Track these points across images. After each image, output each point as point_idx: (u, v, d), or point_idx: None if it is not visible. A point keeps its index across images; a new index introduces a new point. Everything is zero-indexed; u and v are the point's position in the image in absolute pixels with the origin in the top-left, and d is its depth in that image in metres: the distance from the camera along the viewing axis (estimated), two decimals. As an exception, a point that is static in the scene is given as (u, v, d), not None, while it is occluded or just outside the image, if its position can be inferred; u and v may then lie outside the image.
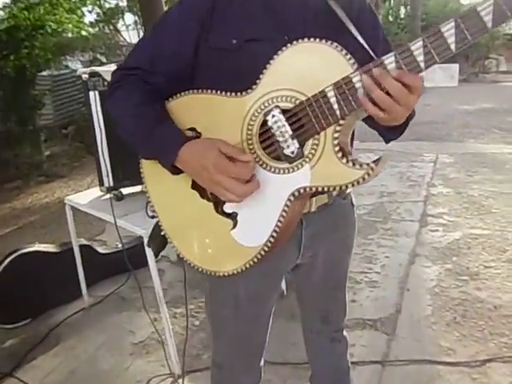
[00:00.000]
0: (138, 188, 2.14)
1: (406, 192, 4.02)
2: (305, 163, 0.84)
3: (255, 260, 0.89)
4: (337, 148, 0.81)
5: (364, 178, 0.80)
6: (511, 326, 2.15)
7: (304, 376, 1.59)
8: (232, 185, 0.83)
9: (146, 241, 1.66)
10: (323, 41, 0.80)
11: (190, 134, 0.92)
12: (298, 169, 0.84)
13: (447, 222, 3.34)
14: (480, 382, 1.83)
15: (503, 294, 2.42)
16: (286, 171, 0.86)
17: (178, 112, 0.95)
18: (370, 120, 0.86)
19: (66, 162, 5.95)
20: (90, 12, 9.23)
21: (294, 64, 0.84)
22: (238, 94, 0.89)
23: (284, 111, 0.85)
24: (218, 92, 0.91)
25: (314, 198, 0.99)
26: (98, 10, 9.39)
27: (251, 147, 0.88)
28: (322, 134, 0.83)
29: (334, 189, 0.83)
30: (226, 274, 0.93)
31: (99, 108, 2.00)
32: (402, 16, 15.98)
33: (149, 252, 1.80)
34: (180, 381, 1.93)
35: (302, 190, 0.85)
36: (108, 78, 1.93)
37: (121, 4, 9.65)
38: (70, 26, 6.55)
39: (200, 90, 0.93)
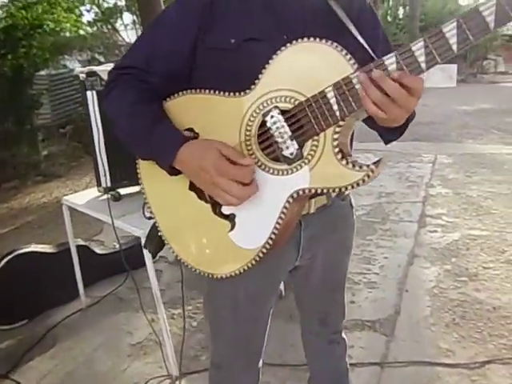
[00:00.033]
0: (135, 188, 2.13)
1: (405, 193, 4.01)
2: (304, 165, 0.83)
3: (253, 262, 0.88)
4: (336, 149, 0.80)
5: (364, 180, 0.79)
6: (510, 328, 2.14)
7: (303, 378, 1.58)
8: (231, 187, 0.82)
9: (143, 242, 1.65)
10: (323, 41, 0.79)
11: (187, 134, 0.91)
12: (297, 170, 0.83)
13: (446, 223, 3.34)
14: (479, 383, 1.83)
15: (502, 295, 2.41)
16: (285, 172, 0.85)
17: (176, 112, 0.94)
18: (369, 121, 0.85)
19: (63, 161, 5.93)
20: (88, 11, 9.20)
21: (293, 64, 0.82)
22: (237, 94, 0.88)
23: (283, 112, 0.84)
24: (216, 92, 0.90)
25: (312, 200, 0.98)
26: (97, 10, 9.36)
27: (249, 148, 0.87)
28: (322, 135, 0.82)
29: (334, 191, 0.82)
30: (223, 276, 0.92)
31: (97, 108, 1.99)
32: (401, 16, 15.97)
33: (146, 253, 1.78)
34: (177, 383, 1.92)
35: (300, 192, 0.84)
36: (105, 77, 1.92)
37: (119, 3, 9.63)
38: (68, 25, 6.52)
39: (198, 90, 0.92)
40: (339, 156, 0.80)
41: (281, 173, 0.85)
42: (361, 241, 3.05)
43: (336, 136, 0.80)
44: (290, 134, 0.83)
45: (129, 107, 0.95)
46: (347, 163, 0.80)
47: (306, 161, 0.83)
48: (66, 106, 6.76)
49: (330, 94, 0.79)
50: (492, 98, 8.93)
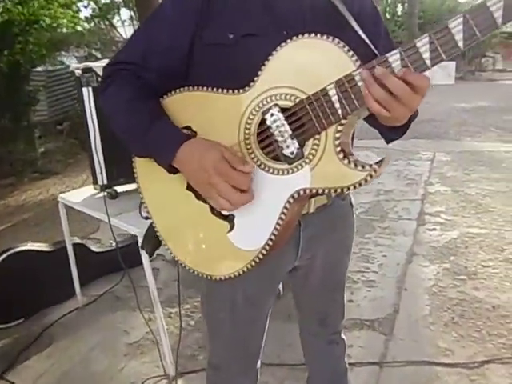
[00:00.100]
0: (132, 186, 2.10)
1: (404, 190, 4.00)
2: (305, 164, 0.81)
3: (253, 264, 0.86)
4: (338, 148, 0.78)
5: (366, 180, 0.76)
6: (509, 327, 2.13)
7: (301, 377, 1.56)
8: (227, 191, 0.80)
9: (140, 240, 1.63)
10: (324, 36, 0.77)
11: (185, 132, 0.89)
12: (298, 170, 0.81)
13: (445, 221, 3.33)
14: (478, 383, 1.81)
15: (501, 293, 2.40)
16: (285, 172, 0.82)
17: (173, 110, 0.91)
18: (371, 119, 0.83)
19: (60, 158, 5.90)
20: (85, 7, 9.15)
21: (293, 61, 0.80)
22: (235, 91, 0.85)
23: (283, 110, 0.81)
24: (215, 89, 0.87)
25: (312, 199, 0.96)
26: (94, 5, 9.30)
27: (249, 147, 0.85)
28: (323, 133, 0.79)
29: (335, 191, 0.80)
30: (222, 277, 0.90)
31: (92, 104, 1.96)
32: (399, 13, 15.95)
33: (143, 251, 1.76)
34: (174, 382, 1.90)
35: (301, 192, 0.82)
36: (101, 73, 1.89)
37: (116, -1, 9.57)
38: (65, 21, 6.48)
39: (195, 87, 0.89)
40: (341, 155, 0.78)
41: (281, 172, 0.83)
42: (359, 239, 3.04)
43: (338, 135, 0.78)
44: (290, 132, 0.81)
45: (126, 104, 0.92)
46: (349, 163, 0.77)
47: (307, 160, 0.80)
48: (63, 102, 6.73)
49: (332, 92, 0.77)
50: (490, 96, 8.93)
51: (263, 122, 0.83)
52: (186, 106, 0.91)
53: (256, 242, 0.85)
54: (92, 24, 9.14)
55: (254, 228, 0.85)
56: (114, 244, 2.60)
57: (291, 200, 0.82)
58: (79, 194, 2.29)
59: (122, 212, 1.98)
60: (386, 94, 0.73)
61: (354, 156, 0.80)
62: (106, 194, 2.05)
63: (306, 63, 0.79)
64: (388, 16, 15.10)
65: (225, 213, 0.87)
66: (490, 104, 8.13)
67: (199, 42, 0.91)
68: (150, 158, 0.91)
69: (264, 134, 0.84)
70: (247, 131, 0.84)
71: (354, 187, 0.78)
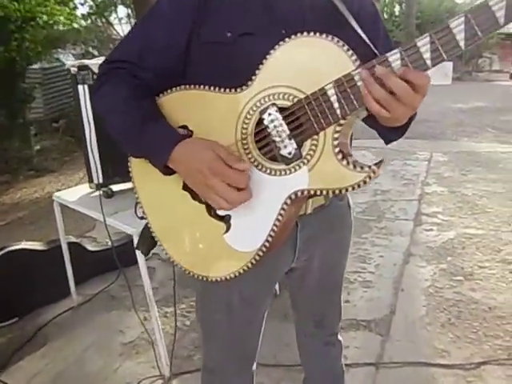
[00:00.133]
0: (128, 185, 2.08)
1: (401, 190, 4.00)
2: (302, 165, 0.79)
3: (249, 265, 0.85)
4: (337, 149, 0.77)
5: (365, 181, 0.75)
6: (506, 328, 2.13)
7: (297, 378, 1.55)
8: (225, 190, 0.79)
9: (135, 240, 1.62)
10: (323, 35, 0.76)
11: (181, 132, 0.87)
12: (296, 170, 0.80)
13: (441, 222, 3.33)
14: (475, 385, 1.81)
15: (497, 294, 2.40)
16: (283, 173, 0.81)
17: (169, 109, 0.90)
18: (370, 120, 0.82)
19: (56, 156, 5.87)
20: (82, 4, 9.08)
21: (291, 60, 0.79)
22: (233, 90, 0.84)
23: (281, 109, 0.80)
24: (212, 88, 0.86)
25: (310, 200, 0.95)
26: (91, 3, 9.24)
27: (246, 147, 0.83)
28: (322, 134, 0.78)
29: (334, 192, 0.78)
30: (218, 279, 0.89)
31: (88, 102, 1.94)
32: (397, 13, 15.95)
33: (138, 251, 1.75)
34: (169, 383, 1.89)
35: (299, 193, 0.80)
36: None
37: (113, -4, 9.51)
38: (62, 18, 6.43)
39: (192, 86, 0.88)
40: (339, 156, 0.77)
41: (278, 173, 0.81)
42: (356, 239, 3.03)
43: (336, 135, 0.77)
44: (288, 132, 0.80)
45: (120, 103, 0.91)
46: (348, 164, 0.76)
47: (305, 161, 0.79)
48: (59, 100, 6.69)
49: (331, 92, 0.75)
50: (487, 96, 8.96)
51: (261, 121, 0.82)
52: (183, 104, 0.89)
53: (253, 244, 0.84)
54: (89, 21, 9.07)
55: (251, 229, 0.84)
56: (109, 243, 2.58)
57: (288, 201, 0.81)
58: (74, 193, 2.27)
59: (117, 211, 1.96)
60: (387, 94, 0.71)
61: (352, 157, 0.78)
62: (101, 192, 2.03)
63: (305, 62, 0.78)
64: (386, 16, 15.10)
65: (221, 213, 0.86)
66: (487, 104, 8.15)
67: (196, 40, 0.90)
68: (145, 159, 0.89)
69: (261, 133, 0.82)
70: (244, 131, 0.83)
71: (353, 188, 0.77)
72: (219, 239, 0.86)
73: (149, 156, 0.89)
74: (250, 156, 0.83)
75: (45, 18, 5.91)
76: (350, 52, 0.75)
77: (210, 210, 0.87)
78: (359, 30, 0.88)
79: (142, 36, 0.94)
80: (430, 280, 2.56)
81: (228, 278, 0.87)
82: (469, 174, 4.38)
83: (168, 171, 0.87)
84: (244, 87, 0.83)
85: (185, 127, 0.88)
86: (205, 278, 0.90)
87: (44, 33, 5.91)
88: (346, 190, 0.77)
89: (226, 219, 0.86)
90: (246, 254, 0.85)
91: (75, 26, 7.10)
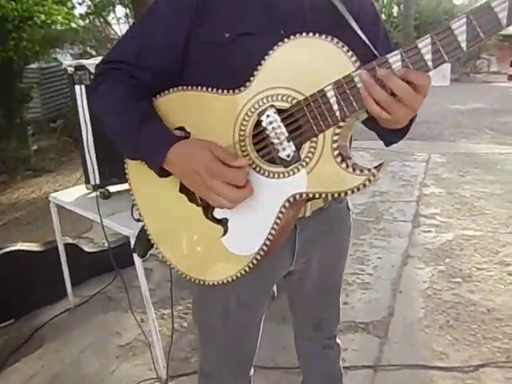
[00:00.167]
0: (125, 186, 2.04)
1: (399, 192, 3.99)
2: (301, 167, 0.78)
3: (247, 269, 0.84)
4: (336, 152, 0.76)
5: (365, 185, 0.74)
6: (504, 330, 2.12)
7: (295, 381, 1.54)
8: (224, 189, 0.77)
9: (132, 241, 1.60)
10: (323, 36, 0.74)
11: (178, 133, 0.86)
12: (294, 173, 0.79)
13: (440, 223, 3.32)
14: (473, 387, 1.81)
15: (496, 296, 2.39)
16: (281, 175, 0.80)
17: (166, 110, 0.89)
18: (370, 122, 0.81)
19: (53, 156, 5.84)
20: (80, 4, 9.06)
21: (290, 60, 0.78)
22: (231, 91, 0.83)
23: (280, 111, 0.79)
24: (209, 89, 0.85)
25: (309, 203, 0.93)
26: (89, 2, 9.22)
27: (244, 149, 0.82)
28: (321, 136, 0.77)
29: (333, 195, 0.77)
30: (215, 283, 0.87)
31: (85, 102, 1.93)
32: (395, 15, 15.96)
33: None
34: (167, 386, 1.88)
35: (297, 196, 0.79)
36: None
37: (112, -4, 9.49)
38: (60, 17, 6.41)
39: (190, 87, 0.87)
40: (339, 159, 0.75)
41: (276, 176, 0.80)
42: (354, 240, 3.02)
43: (336, 138, 0.76)
44: (286, 134, 0.78)
45: (118, 104, 0.89)
46: (347, 167, 0.75)
47: (304, 163, 0.78)
48: (57, 99, 6.67)
49: (330, 93, 0.74)
50: (484, 98, 8.96)
51: (259, 123, 0.81)
52: (180, 106, 0.88)
53: (250, 247, 0.83)
54: (87, 21, 9.05)
55: (249, 232, 0.83)
56: (106, 244, 2.56)
57: (287, 204, 0.80)
58: (71, 194, 2.25)
59: (114, 212, 1.95)
60: (388, 96, 0.70)
61: (352, 160, 0.77)
62: (98, 193, 2.02)
63: (304, 63, 0.77)
64: (384, 17, 15.09)
65: (218, 216, 0.85)
66: (485, 106, 8.16)
67: (195, 40, 0.89)
68: (141, 161, 0.88)
69: (259, 135, 0.81)
70: (242, 133, 0.82)
71: (352, 192, 0.75)
72: (216, 242, 0.85)
73: (144, 157, 0.88)
74: (247, 158, 0.82)
75: (42, 17, 5.89)
76: (350, 53, 0.73)
77: (207, 213, 0.85)
78: (359, 31, 0.87)
79: (140, 36, 0.93)
80: (428, 282, 2.56)
81: (225, 281, 0.86)
82: (467, 175, 4.38)
83: (163, 173, 0.86)
84: (242, 88, 0.82)
85: (182, 128, 0.87)
86: (202, 282, 0.89)
87: (42, 32, 5.89)
88: (346, 194, 0.76)
89: (223, 222, 0.84)
90: (244, 258, 0.83)
91: (73, 25, 7.08)
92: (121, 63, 0.92)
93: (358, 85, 0.72)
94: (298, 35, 0.76)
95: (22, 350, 2.18)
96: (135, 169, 0.94)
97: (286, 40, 0.78)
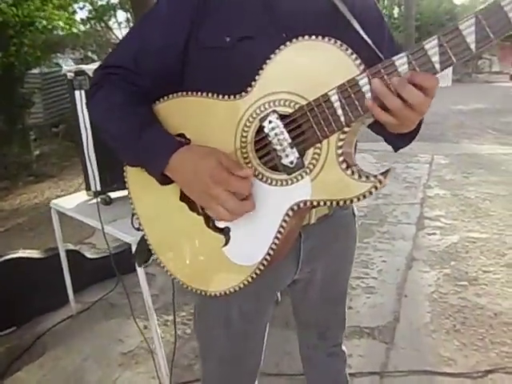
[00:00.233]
0: (126, 192, 2.05)
1: (402, 194, 3.96)
2: (305, 175, 0.76)
3: (249, 280, 0.81)
4: (341, 158, 0.73)
5: (371, 192, 0.71)
6: (512, 335, 2.09)
7: (300, 388, 1.52)
8: (227, 198, 0.75)
9: (134, 248, 1.58)
10: (326, 38, 0.72)
11: (178, 140, 0.84)
12: (298, 181, 0.76)
13: (444, 225, 3.29)
14: (482, 394, 1.77)
15: (503, 300, 2.36)
16: (284, 183, 0.77)
17: (166, 116, 0.86)
18: (376, 126, 0.78)
19: (55, 161, 5.85)
20: (81, 9, 9.08)
21: (293, 64, 0.75)
22: (232, 96, 0.80)
23: (282, 117, 0.76)
24: (210, 95, 0.82)
25: (313, 210, 0.91)
26: (90, 7, 9.24)
27: (246, 156, 0.80)
28: (325, 142, 0.74)
29: (338, 203, 0.74)
30: (217, 293, 0.85)
31: (85, 108, 1.91)
32: (396, 16, 15.95)
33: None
34: (170, 394, 1.85)
35: (301, 204, 0.76)
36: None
37: (113, 1, 9.51)
38: (61, 23, 6.42)
39: (190, 93, 0.84)
40: (344, 165, 0.73)
41: (279, 183, 0.78)
42: (358, 244, 2.93)
43: (340, 143, 0.73)
44: (289, 141, 0.76)
45: (115, 110, 0.87)
46: (353, 173, 0.72)
47: (308, 170, 0.75)
48: (59, 104, 6.68)
49: (334, 98, 0.72)
50: (487, 98, 8.93)
51: (261, 129, 0.78)
52: (180, 112, 0.86)
53: (253, 257, 0.80)
54: (88, 26, 9.07)
55: (251, 242, 0.80)
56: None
57: (290, 213, 0.77)
58: (72, 200, 2.23)
59: (116, 219, 1.93)
60: (402, 104, 0.68)
61: (357, 166, 0.75)
62: (99, 200, 2.00)
63: (307, 67, 0.74)
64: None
65: (220, 225, 0.82)
66: (487, 106, 8.13)
67: (195, 44, 0.87)
68: (142, 168, 0.86)
69: (262, 142, 0.78)
70: (244, 139, 0.79)
71: (358, 199, 0.73)
72: (218, 252, 0.82)
73: (145, 164, 0.86)
74: (249, 165, 0.79)
75: (44, 22, 5.90)
76: (354, 56, 0.71)
77: (209, 222, 0.83)
78: (362, 33, 0.84)
79: (138, 38, 0.91)
80: (433, 285, 2.52)
81: (227, 292, 0.83)
82: (471, 176, 4.34)
83: (165, 180, 0.83)
84: (243, 93, 0.80)
85: (181, 135, 0.85)
86: (203, 293, 0.86)
87: (43, 37, 5.90)
88: (351, 201, 0.73)
89: (225, 231, 0.82)
90: (247, 268, 0.81)
91: (74, 30, 7.09)
92: (118, 68, 0.90)
93: (363, 89, 0.70)
94: (300, 38, 0.74)
95: (23, 358, 2.16)
96: (135, 176, 0.92)
97: (287, 43, 0.75)
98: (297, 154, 0.76)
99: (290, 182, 0.77)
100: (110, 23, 9.73)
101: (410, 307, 2.34)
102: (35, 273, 2.39)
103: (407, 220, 3.42)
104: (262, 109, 0.78)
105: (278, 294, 2.32)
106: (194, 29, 0.86)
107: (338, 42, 0.72)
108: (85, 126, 1.95)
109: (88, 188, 2.08)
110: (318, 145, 0.75)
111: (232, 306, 0.97)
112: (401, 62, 0.68)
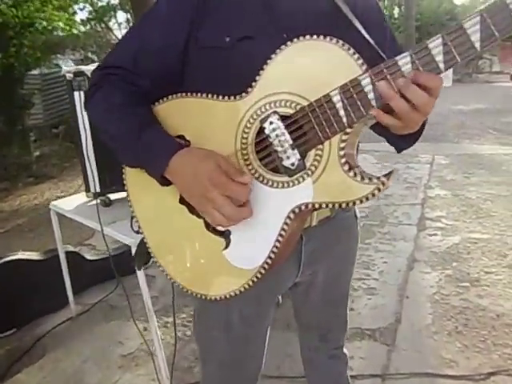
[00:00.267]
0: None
1: (403, 194, 3.94)
2: (306, 176, 0.74)
3: (250, 283, 0.80)
4: (343, 160, 0.72)
5: (374, 194, 0.70)
6: (514, 336, 2.08)
7: (301, 391, 1.50)
8: (224, 203, 0.73)
9: (133, 250, 1.57)
10: (327, 38, 0.71)
11: (178, 141, 0.83)
12: (299, 183, 0.75)
13: (445, 226, 3.27)
14: (484, 396, 1.76)
15: (505, 301, 2.34)
16: (286, 185, 0.76)
17: (165, 117, 0.85)
18: (379, 127, 0.76)
19: (56, 162, 5.84)
20: (81, 10, 9.08)
21: (294, 65, 0.74)
22: (232, 97, 0.79)
23: (283, 118, 0.75)
24: (210, 95, 0.81)
25: (315, 212, 0.89)
26: (90, 8, 9.24)
27: (246, 157, 0.78)
28: (327, 143, 0.73)
29: (340, 205, 0.73)
30: (217, 297, 0.83)
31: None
32: (396, 16, 15.94)
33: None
34: (170, 397, 1.84)
35: (303, 207, 0.75)
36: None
37: (113, 2, 9.51)
38: (61, 23, 6.41)
39: (189, 94, 0.83)
40: (346, 167, 0.71)
41: (281, 185, 0.76)
42: (359, 245, 2.96)
43: (342, 145, 0.72)
44: (290, 142, 0.75)
45: (114, 110, 0.86)
46: (355, 175, 0.71)
47: (309, 172, 0.74)
48: (59, 105, 6.67)
49: (336, 98, 0.71)
50: (487, 98, 8.92)
51: (262, 130, 0.77)
52: (179, 113, 0.85)
53: (254, 260, 0.79)
54: (88, 27, 9.07)
55: (252, 245, 0.79)
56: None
57: (292, 215, 0.76)
58: (72, 202, 2.22)
59: (115, 220, 1.92)
60: (408, 106, 0.67)
61: (359, 168, 0.73)
62: (98, 201, 1.99)
63: (308, 67, 0.73)
64: (385, 18, 15.07)
65: (220, 228, 0.81)
66: (488, 106, 8.11)
67: (195, 44, 0.85)
68: (141, 169, 0.85)
69: (262, 143, 0.77)
70: (244, 140, 0.78)
71: (361, 202, 0.71)
72: (218, 256, 0.81)
73: (145, 165, 0.85)
74: (250, 167, 0.78)
75: (43, 23, 5.90)
76: (357, 55, 0.70)
77: (209, 225, 0.81)
78: (364, 33, 0.83)
79: (138, 38, 0.90)
80: (435, 286, 2.51)
81: (228, 296, 0.82)
82: (472, 176, 4.33)
83: (165, 182, 0.82)
84: (244, 94, 0.78)
85: (181, 137, 0.83)
86: (203, 297, 0.85)
87: (43, 38, 5.90)
88: (354, 204, 0.72)
89: (225, 234, 0.80)
90: (247, 272, 0.79)
91: (74, 31, 7.08)
92: (117, 68, 0.89)
93: (366, 89, 0.69)
94: (301, 38, 0.73)
95: (23, 360, 2.15)
96: (134, 179, 0.91)
97: (288, 43, 0.74)
98: (298, 156, 0.74)
99: (291, 184, 0.76)
100: (111, 24, 9.73)
101: (412, 309, 2.33)
102: (35, 275, 2.38)
103: (408, 221, 3.40)
104: (263, 110, 0.76)
105: (279, 296, 2.31)
106: (194, 29, 0.85)
107: (340, 42, 0.70)
108: (84, 127, 1.94)
109: (87, 189, 2.07)
110: (320, 146, 0.74)
111: (232, 309, 0.95)
112: (404, 61, 0.66)
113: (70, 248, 2.57)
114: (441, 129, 6.43)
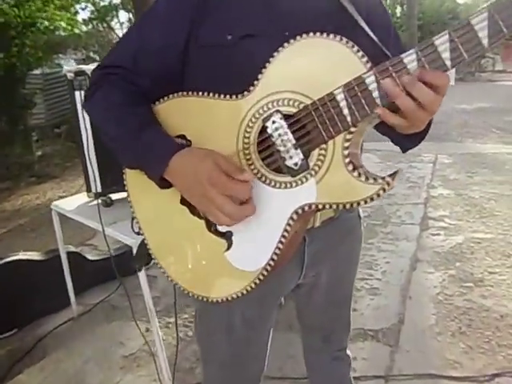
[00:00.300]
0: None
1: (406, 194, 3.92)
2: (310, 177, 0.73)
3: (253, 285, 0.78)
4: (347, 159, 0.70)
5: (379, 194, 0.68)
6: (519, 337, 2.06)
7: (304, 392, 1.49)
8: (224, 202, 0.72)
9: (135, 250, 1.56)
10: (331, 36, 0.69)
11: (179, 142, 0.81)
12: (302, 183, 0.73)
13: (449, 226, 3.25)
14: (489, 398, 1.74)
15: (509, 301, 2.32)
16: (289, 185, 0.74)
17: (166, 117, 0.84)
18: (383, 126, 0.75)
19: (58, 162, 5.84)
20: (83, 9, 9.09)
21: (297, 63, 0.73)
22: (234, 96, 0.78)
23: (286, 117, 0.73)
24: (211, 94, 0.80)
25: (318, 213, 0.88)
26: (92, 8, 9.25)
27: (248, 157, 0.77)
28: (330, 143, 0.71)
29: (344, 206, 0.72)
30: (219, 300, 0.82)
31: (85, 109, 1.89)
32: (398, 15, 15.91)
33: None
34: (172, 398, 1.83)
35: (306, 208, 0.74)
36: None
37: (115, 1, 9.51)
38: (62, 23, 6.42)
39: (190, 93, 0.82)
40: (350, 167, 0.70)
41: (284, 186, 0.75)
42: (362, 244, 2.95)
43: (347, 144, 0.70)
44: (293, 141, 0.73)
45: (114, 110, 0.85)
46: (359, 175, 0.70)
47: (313, 172, 0.73)
48: (61, 105, 6.69)
49: (340, 97, 0.69)
50: (490, 97, 8.89)
51: (264, 130, 0.75)
52: (180, 112, 0.83)
53: (256, 262, 0.77)
54: (90, 26, 9.08)
55: (254, 247, 0.77)
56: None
57: (295, 216, 0.74)
58: (73, 202, 2.22)
59: (116, 221, 1.91)
60: (414, 105, 0.65)
61: (364, 168, 0.72)
62: (100, 202, 1.98)
63: (311, 65, 0.72)
64: (387, 17, 15.04)
65: (222, 230, 0.79)
66: (491, 105, 8.08)
67: (195, 43, 0.84)
68: (141, 171, 0.83)
69: (265, 143, 0.76)
70: (246, 140, 0.77)
71: (365, 202, 0.70)
72: (220, 257, 0.80)
73: (144, 166, 0.83)
74: (252, 167, 0.77)
75: (45, 23, 5.91)
76: (361, 53, 0.68)
77: (210, 226, 0.80)
78: (368, 30, 0.82)
79: (138, 38, 0.89)
80: (438, 287, 2.49)
81: (229, 298, 0.80)
82: (475, 176, 4.31)
83: (164, 184, 0.81)
84: (246, 93, 0.77)
85: (182, 136, 0.82)
86: (205, 299, 0.83)
87: (44, 38, 5.91)
88: (358, 204, 0.71)
89: (227, 236, 0.79)
90: (250, 274, 0.78)
91: (76, 31, 7.09)
92: (117, 68, 0.87)
93: (370, 87, 0.67)
94: (304, 35, 0.71)
95: (25, 361, 2.14)
96: (134, 179, 0.89)
97: (291, 41, 0.73)
98: (301, 156, 0.73)
99: (294, 184, 0.74)
100: (112, 24, 9.74)
101: (415, 309, 2.31)
102: (36, 275, 2.37)
103: (411, 220, 3.39)
104: (265, 109, 0.75)
105: (282, 298, 2.30)
106: (194, 28, 0.83)
107: (344, 39, 0.69)
108: (85, 127, 1.93)
109: (89, 190, 2.06)
110: (324, 146, 0.72)
111: (234, 312, 0.94)
112: (410, 58, 0.65)
113: (72, 248, 2.56)
114: (444, 128, 6.40)
